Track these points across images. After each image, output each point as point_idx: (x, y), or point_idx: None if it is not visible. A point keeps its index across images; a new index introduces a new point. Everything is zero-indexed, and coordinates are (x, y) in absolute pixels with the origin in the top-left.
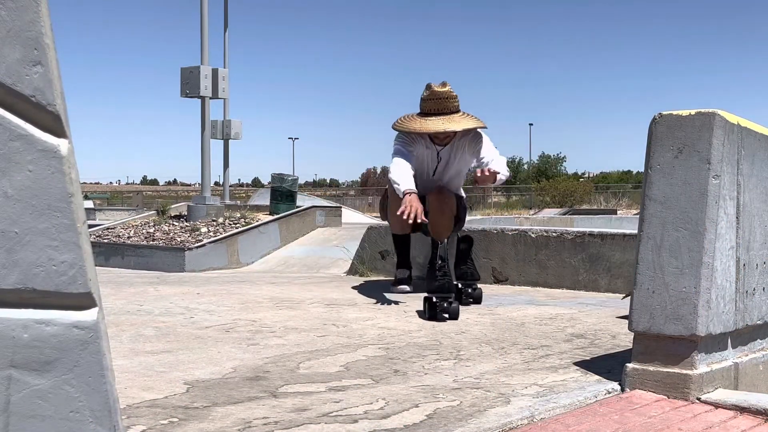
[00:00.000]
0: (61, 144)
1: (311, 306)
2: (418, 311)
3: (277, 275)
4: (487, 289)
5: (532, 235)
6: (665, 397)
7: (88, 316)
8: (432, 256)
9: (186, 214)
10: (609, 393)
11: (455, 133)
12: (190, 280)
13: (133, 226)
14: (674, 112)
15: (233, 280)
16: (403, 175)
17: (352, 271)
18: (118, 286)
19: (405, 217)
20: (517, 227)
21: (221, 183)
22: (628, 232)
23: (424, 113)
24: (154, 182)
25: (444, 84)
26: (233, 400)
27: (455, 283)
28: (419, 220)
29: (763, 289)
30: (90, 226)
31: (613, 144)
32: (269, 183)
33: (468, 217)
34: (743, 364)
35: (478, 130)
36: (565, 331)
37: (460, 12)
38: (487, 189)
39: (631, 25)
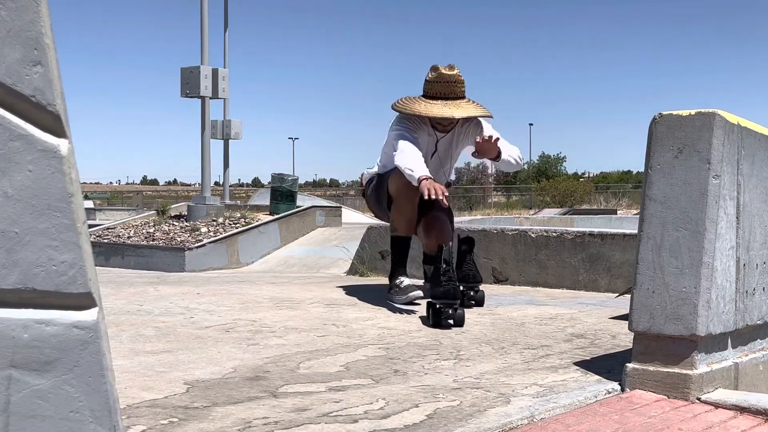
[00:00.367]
0: (61, 144)
1: (311, 306)
2: (421, 317)
3: (277, 275)
4: (487, 289)
5: (532, 235)
6: (665, 397)
7: (88, 316)
8: (437, 259)
9: (186, 214)
10: (609, 393)
11: (458, 120)
12: (190, 280)
13: (133, 226)
14: (674, 112)
15: (233, 280)
16: (414, 161)
17: (352, 271)
18: (118, 286)
19: (434, 197)
20: (517, 227)
21: (221, 183)
22: (628, 232)
23: (429, 96)
24: (154, 182)
25: (452, 67)
26: (233, 400)
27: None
28: (446, 194)
29: (763, 289)
30: (90, 226)
31: (613, 144)
32: (269, 183)
33: (468, 217)
34: (743, 364)
35: (482, 119)
36: (565, 331)
37: (460, 12)
38: (487, 189)
39: (631, 25)
